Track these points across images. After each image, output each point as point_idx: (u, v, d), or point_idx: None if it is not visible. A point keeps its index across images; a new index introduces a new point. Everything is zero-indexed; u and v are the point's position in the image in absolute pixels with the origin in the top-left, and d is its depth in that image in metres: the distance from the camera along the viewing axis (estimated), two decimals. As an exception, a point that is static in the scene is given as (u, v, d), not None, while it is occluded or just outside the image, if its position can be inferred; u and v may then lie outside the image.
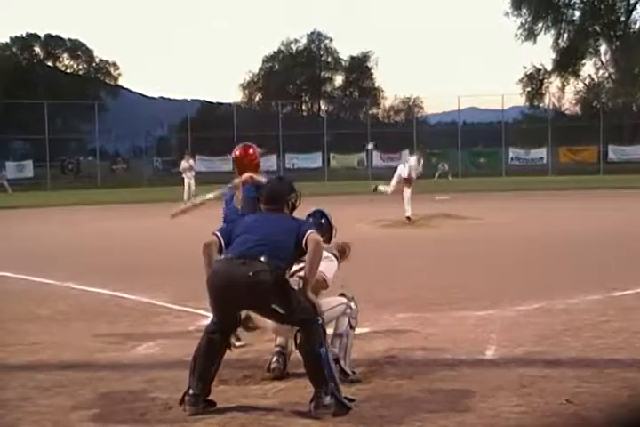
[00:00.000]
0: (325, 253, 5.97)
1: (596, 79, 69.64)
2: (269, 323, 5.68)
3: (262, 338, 6.64)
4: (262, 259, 5.11)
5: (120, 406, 5.37)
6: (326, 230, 6.36)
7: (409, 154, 21.17)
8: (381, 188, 20.69)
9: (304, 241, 5.27)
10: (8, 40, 78.80)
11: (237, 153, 7.71)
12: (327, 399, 4.98)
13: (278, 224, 5.50)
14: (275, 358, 5.85)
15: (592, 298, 8.96)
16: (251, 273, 5.05)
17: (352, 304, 6.04)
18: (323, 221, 6.45)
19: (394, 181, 19.99)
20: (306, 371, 5.24)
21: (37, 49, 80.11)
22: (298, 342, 5.28)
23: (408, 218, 19.31)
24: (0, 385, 6.02)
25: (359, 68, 78.19)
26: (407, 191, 19.69)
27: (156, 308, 9.02)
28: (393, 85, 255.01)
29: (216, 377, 5.28)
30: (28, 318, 8.53)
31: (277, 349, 5.90)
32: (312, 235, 5.30)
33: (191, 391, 5.14)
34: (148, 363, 6.57)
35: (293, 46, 79.55)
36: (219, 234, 5.55)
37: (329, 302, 5.99)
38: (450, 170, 50.94)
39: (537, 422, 4.83)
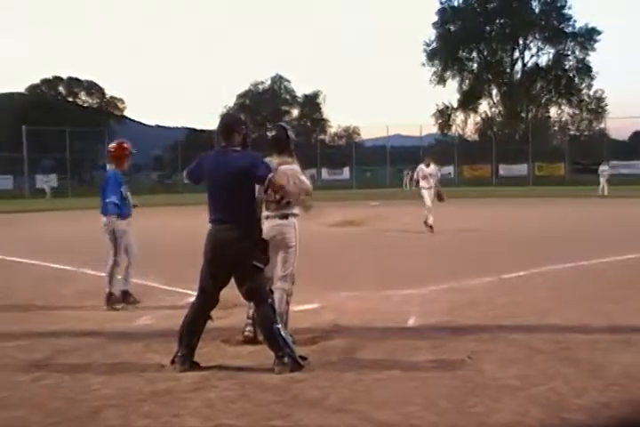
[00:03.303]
0: (290, 168, 5.73)
1: (489, 114, 70.83)
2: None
3: (234, 311, 6.60)
4: (238, 223, 5.01)
5: (125, 364, 5.31)
6: (286, 143, 5.90)
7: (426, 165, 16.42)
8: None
9: (266, 184, 5.08)
10: (38, 81, 78.27)
11: (113, 146, 7.99)
12: (285, 360, 4.97)
13: (232, 181, 5.06)
14: (248, 329, 5.78)
15: (487, 280, 9.06)
16: (236, 237, 4.99)
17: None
18: (283, 134, 5.91)
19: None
20: (264, 341, 5.22)
21: (61, 88, 79.35)
22: (256, 320, 5.29)
23: (426, 223, 15.82)
24: (30, 348, 5.90)
25: (311, 103, 78.35)
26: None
27: (153, 288, 8.91)
28: (337, 117, 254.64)
29: (199, 342, 5.23)
30: (53, 296, 8.39)
31: (250, 321, 5.79)
32: (268, 180, 5.05)
33: (180, 353, 5.10)
34: (147, 331, 6.49)
35: (260, 86, 79.51)
36: (187, 178, 5.40)
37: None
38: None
39: (445, 373, 4.85)
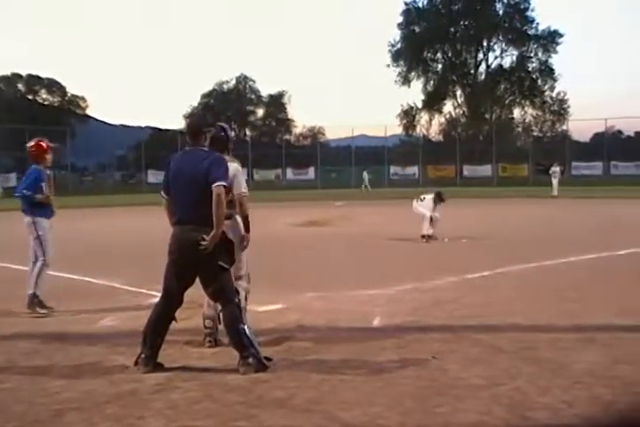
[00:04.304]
0: (232, 167, 5.67)
1: (454, 115, 71.40)
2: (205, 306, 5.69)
3: (198, 312, 6.55)
4: (203, 223, 4.96)
5: (87, 366, 5.24)
6: (225, 142, 5.92)
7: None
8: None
9: (211, 188, 4.97)
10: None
11: (31, 144, 7.83)
12: (250, 360, 4.97)
13: (195, 181, 5.03)
14: (208, 339, 5.76)
15: (451, 280, 9.13)
16: (200, 238, 4.94)
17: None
18: (222, 134, 5.90)
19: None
20: (229, 341, 5.21)
21: (20, 86, 78.01)
22: (221, 320, 5.26)
23: (423, 236, 14.49)
24: (-12, 351, 5.81)
25: (276, 103, 78.18)
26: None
27: (117, 289, 8.83)
28: (302, 117, 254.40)
29: (163, 343, 5.19)
30: (10, 298, 8.22)
31: (207, 331, 5.77)
32: (216, 189, 4.97)
33: (143, 355, 5.07)
34: (110, 333, 6.43)
35: (225, 86, 79.10)
36: (164, 195, 5.31)
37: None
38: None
39: (410, 373, 4.88)
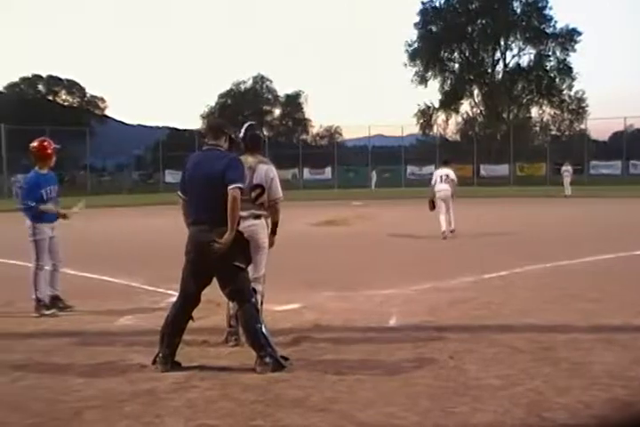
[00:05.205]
0: (271, 171, 5.78)
1: (471, 115, 71.01)
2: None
3: (216, 311, 6.58)
4: (219, 223, 4.97)
5: (106, 365, 5.28)
6: (259, 141, 6.02)
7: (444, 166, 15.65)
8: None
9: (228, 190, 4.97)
10: (17, 79, 77.65)
11: (34, 145, 7.71)
12: (267, 359, 4.97)
13: (211, 181, 5.04)
14: (234, 338, 5.75)
15: (468, 280, 9.10)
16: (216, 237, 4.95)
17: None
18: (256, 132, 6.01)
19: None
20: (246, 341, 5.22)
21: (41, 86, 78.70)
22: (239, 320, 5.29)
23: (444, 232, 14.47)
24: (9, 349, 5.87)
25: (293, 103, 78.25)
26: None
27: (135, 289, 8.87)
28: (319, 117, 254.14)
29: (180, 342, 5.21)
30: (30, 297, 8.28)
31: (232, 329, 5.77)
32: (232, 191, 4.97)
33: (161, 354, 5.09)
34: (128, 332, 6.47)
35: (242, 86, 79.25)
36: (181, 194, 5.34)
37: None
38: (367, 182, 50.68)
39: (427, 373, 4.87)
